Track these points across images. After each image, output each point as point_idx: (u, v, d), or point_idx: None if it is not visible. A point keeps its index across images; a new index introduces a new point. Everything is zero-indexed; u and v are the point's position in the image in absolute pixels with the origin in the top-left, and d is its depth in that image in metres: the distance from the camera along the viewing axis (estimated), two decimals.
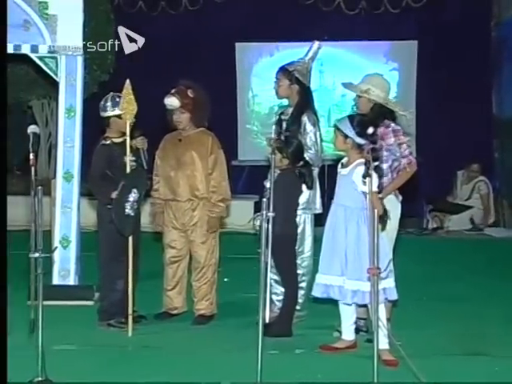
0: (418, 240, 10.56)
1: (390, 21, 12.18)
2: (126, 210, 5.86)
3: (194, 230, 6.23)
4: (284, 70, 6.25)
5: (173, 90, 6.18)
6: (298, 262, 6.07)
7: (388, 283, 5.24)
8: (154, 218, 6.40)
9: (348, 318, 5.49)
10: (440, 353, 5.47)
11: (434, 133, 11.79)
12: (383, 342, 5.06)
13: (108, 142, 6.08)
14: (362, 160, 5.24)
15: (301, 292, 6.08)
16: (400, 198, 5.73)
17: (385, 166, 5.63)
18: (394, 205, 5.64)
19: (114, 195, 5.86)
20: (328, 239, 5.41)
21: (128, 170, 5.89)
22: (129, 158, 5.89)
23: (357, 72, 10.25)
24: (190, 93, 6.16)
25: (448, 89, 12.06)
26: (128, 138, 5.89)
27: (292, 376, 4.99)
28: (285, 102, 6.40)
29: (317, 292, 5.47)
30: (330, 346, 5.47)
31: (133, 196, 5.88)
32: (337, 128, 5.37)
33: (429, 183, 11.15)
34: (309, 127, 6.13)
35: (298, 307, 6.05)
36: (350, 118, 5.38)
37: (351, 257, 5.25)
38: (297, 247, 6.04)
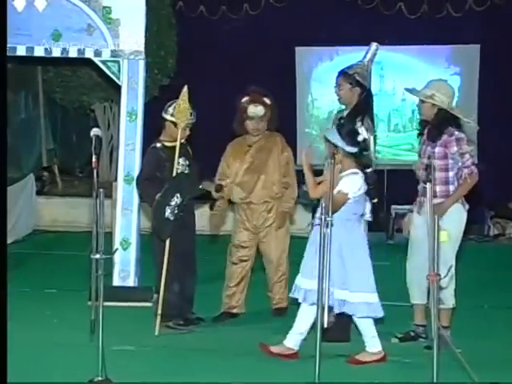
0: (479, 247, 10.40)
1: (452, 25, 12.04)
2: (166, 214, 5.87)
3: (268, 230, 6.38)
4: (344, 74, 6.14)
5: (248, 98, 6.29)
6: None
7: (373, 298, 5.19)
8: (213, 220, 6.49)
9: (367, 330, 5.35)
10: (499, 361, 5.38)
11: (495, 138, 11.61)
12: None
13: (159, 145, 6.10)
14: (355, 170, 5.22)
15: None
16: (467, 206, 5.67)
17: (450, 173, 5.61)
18: (460, 213, 5.62)
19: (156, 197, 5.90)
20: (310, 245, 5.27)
21: (174, 174, 5.93)
22: (177, 164, 5.92)
23: (418, 76, 10.24)
24: (267, 100, 6.30)
25: (511, 93, 11.87)
26: (178, 144, 5.93)
27: (350, 380, 4.97)
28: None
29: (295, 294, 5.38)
30: (356, 358, 5.31)
31: (175, 200, 5.89)
32: (325, 139, 5.29)
33: (490, 189, 10.96)
34: (361, 131, 6.08)
35: None
36: (338, 127, 5.32)
37: (336, 267, 5.03)
38: None
